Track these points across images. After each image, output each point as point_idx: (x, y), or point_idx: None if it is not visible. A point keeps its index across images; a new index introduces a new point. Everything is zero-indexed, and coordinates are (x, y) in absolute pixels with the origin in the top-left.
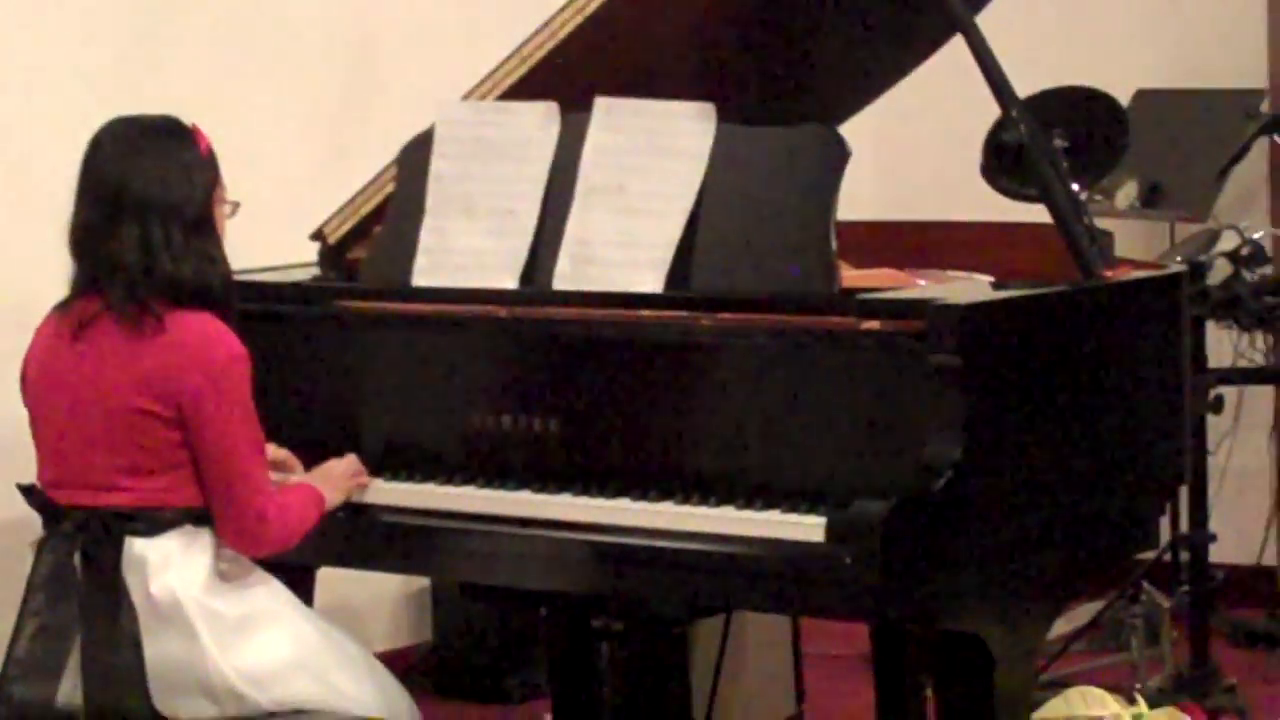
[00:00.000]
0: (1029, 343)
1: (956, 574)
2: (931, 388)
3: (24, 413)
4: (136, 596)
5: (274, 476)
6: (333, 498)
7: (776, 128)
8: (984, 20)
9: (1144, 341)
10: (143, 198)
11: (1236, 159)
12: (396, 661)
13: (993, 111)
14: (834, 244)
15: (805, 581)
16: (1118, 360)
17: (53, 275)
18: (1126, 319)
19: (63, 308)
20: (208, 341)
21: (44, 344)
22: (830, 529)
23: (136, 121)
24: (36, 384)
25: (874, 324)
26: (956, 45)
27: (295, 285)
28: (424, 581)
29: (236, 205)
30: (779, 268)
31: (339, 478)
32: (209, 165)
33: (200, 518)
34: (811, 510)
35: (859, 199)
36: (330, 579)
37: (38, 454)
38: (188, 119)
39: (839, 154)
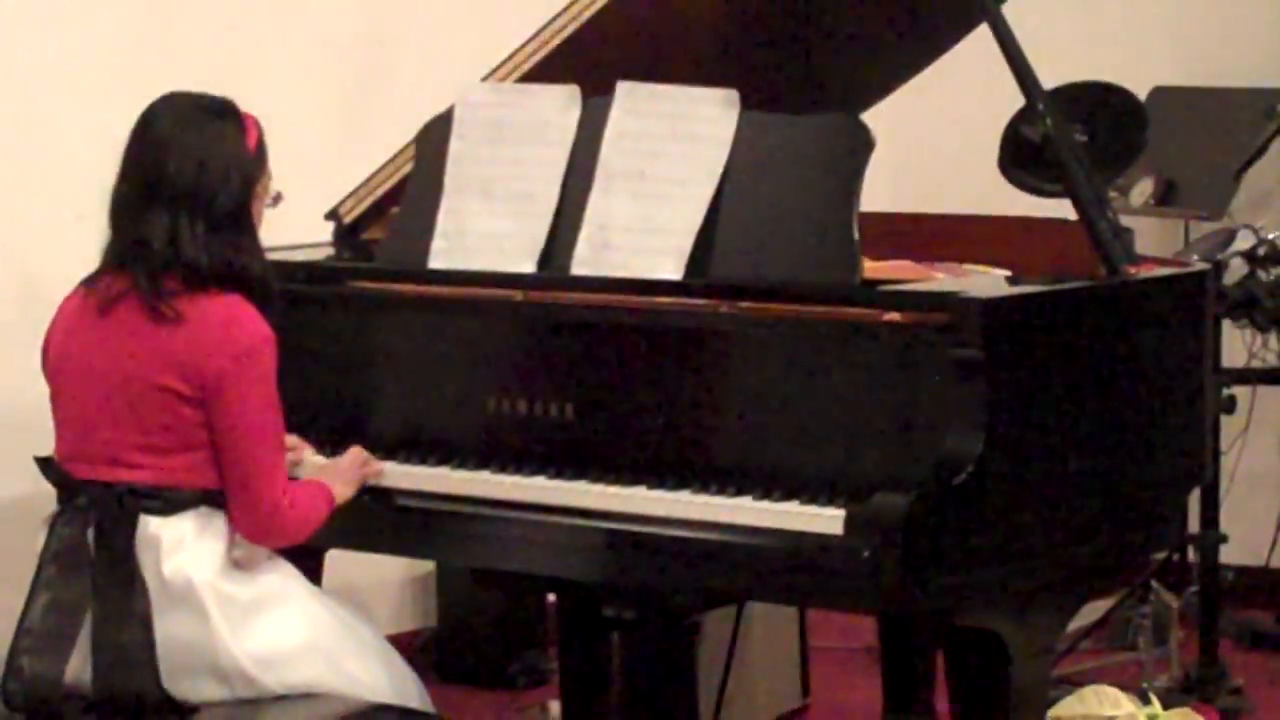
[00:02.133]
0: (1052, 338)
1: (975, 569)
2: (953, 381)
3: (34, 388)
4: (149, 576)
5: None
6: (343, 492)
7: (800, 115)
8: (1003, 13)
9: (1166, 339)
10: (177, 185)
11: (1254, 158)
12: (400, 645)
13: (1009, 104)
14: (857, 234)
15: (822, 573)
16: (1140, 357)
17: (61, 254)
18: (1150, 316)
19: (90, 282)
20: (234, 323)
21: (69, 318)
22: (849, 521)
23: (190, 101)
24: (59, 358)
25: (896, 316)
26: (972, 38)
27: (309, 265)
28: (429, 565)
29: (279, 197)
30: (801, 257)
31: (346, 470)
32: (253, 158)
33: (216, 500)
34: (830, 502)
35: (874, 190)
36: (335, 561)
37: (56, 428)
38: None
39: (864, 143)
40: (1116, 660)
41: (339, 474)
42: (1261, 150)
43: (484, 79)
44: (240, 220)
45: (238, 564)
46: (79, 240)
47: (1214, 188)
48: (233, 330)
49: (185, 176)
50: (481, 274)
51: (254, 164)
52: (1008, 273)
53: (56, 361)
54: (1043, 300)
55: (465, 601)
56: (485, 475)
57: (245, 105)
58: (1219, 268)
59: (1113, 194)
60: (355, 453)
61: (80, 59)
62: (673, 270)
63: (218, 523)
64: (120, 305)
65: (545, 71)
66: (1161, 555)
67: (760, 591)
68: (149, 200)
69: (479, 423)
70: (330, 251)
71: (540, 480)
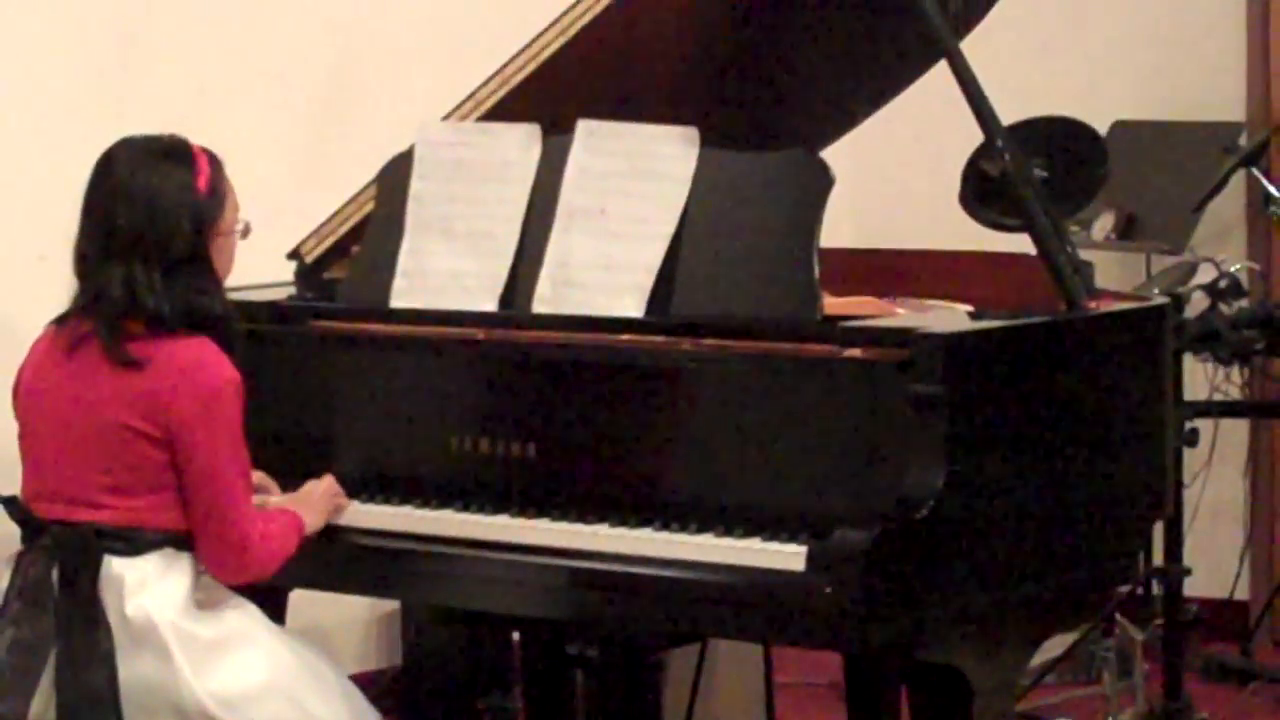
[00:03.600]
0: (1012, 373)
1: (936, 605)
2: (913, 417)
3: (6, 426)
4: (112, 616)
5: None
6: (313, 522)
7: (760, 153)
8: (962, 50)
9: (1127, 373)
10: (128, 235)
11: (1214, 192)
12: (365, 685)
13: (969, 140)
14: (817, 271)
15: (784, 610)
16: (1100, 391)
17: (25, 294)
18: (1110, 350)
19: (60, 322)
20: (200, 366)
21: (39, 357)
22: (811, 558)
23: (143, 146)
24: (28, 397)
25: (856, 352)
26: (932, 74)
27: (271, 304)
28: (393, 604)
29: (248, 228)
30: (761, 293)
31: (318, 500)
32: (206, 197)
33: (181, 541)
34: (791, 539)
35: (835, 227)
36: (299, 601)
37: (23, 467)
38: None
39: (823, 180)
40: (1081, 695)
41: (311, 504)
42: (1222, 184)
43: (445, 118)
44: (197, 262)
45: (200, 604)
46: (42, 280)
47: (1175, 221)
48: (198, 374)
49: (136, 226)
50: (443, 313)
51: (207, 203)
52: (969, 308)
53: (25, 400)
54: (1003, 336)
55: (430, 640)
56: (448, 514)
57: (207, 143)
58: (1180, 301)
59: (1074, 228)
60: (329, 483)
61: (44, 98)
62: (634, 308)
63: (181, 563)
64: (86, 347)
65: (506, 110)
66: (1125, 589)
67: (723, 628)
68: (104, 251)
69: (441, 461)
70: (292, 291)
71: (503, 519)
